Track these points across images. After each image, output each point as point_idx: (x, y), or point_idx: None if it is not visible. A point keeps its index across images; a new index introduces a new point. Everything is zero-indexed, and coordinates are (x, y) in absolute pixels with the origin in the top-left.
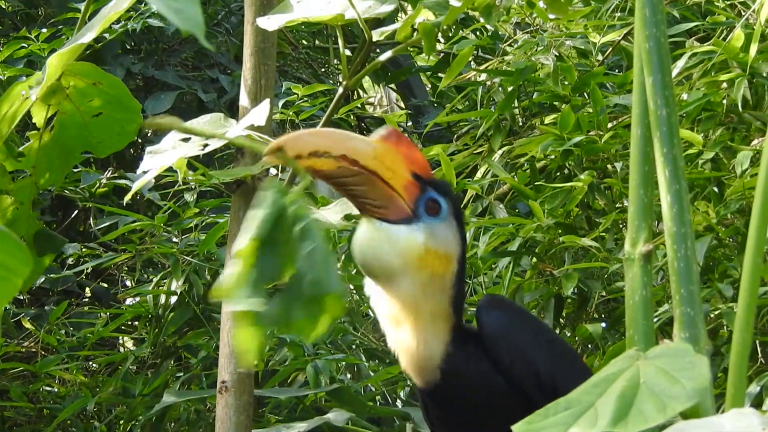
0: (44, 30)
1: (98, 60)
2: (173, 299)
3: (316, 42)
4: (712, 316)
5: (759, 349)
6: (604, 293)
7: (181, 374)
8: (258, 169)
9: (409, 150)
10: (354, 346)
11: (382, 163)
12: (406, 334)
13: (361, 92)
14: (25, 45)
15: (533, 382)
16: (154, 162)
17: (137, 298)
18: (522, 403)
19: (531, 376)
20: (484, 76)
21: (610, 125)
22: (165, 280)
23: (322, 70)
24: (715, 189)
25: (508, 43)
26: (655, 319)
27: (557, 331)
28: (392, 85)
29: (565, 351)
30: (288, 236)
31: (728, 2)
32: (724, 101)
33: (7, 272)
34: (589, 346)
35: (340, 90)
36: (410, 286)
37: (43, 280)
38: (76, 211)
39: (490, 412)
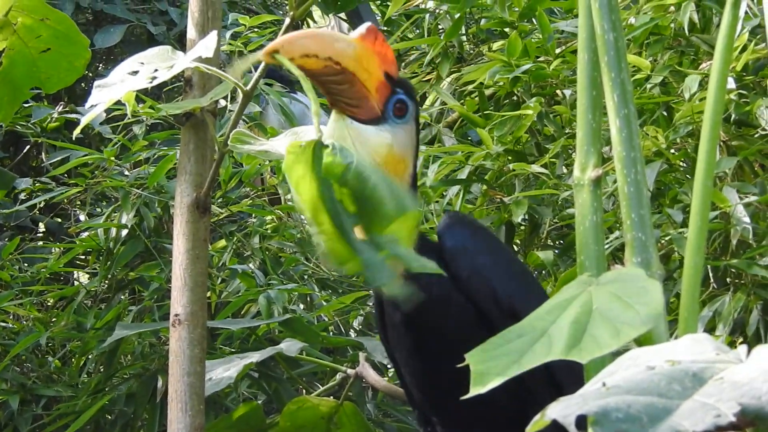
0: None
1: None
2: (124, 232)
3: None
4: (663, 241)
5: (710, 274)
6: (555, 220)
7: (134, 307)
8: (206, 102)
9: (383, 48)
10: (306, 277)
11: (361, 64)
12: None
13: (311, 22)
14: None
15: (490, 298)
16: (102, 96)
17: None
18: (482, 324)
19: (488, 293)
20: (431, 4)
21: (558, 51)
22: (116, 214)
23: (271, 0)
24: (664, 113)
25: None
26: (607, 245)
27: None
28: (342, 15)
29: (523, 271)
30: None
31: None
32: (672, 25)
33: None
34: (543, 272)
35: (287, 20)
36: None
37: None
38: (28, 146)
39: (450, 333)
